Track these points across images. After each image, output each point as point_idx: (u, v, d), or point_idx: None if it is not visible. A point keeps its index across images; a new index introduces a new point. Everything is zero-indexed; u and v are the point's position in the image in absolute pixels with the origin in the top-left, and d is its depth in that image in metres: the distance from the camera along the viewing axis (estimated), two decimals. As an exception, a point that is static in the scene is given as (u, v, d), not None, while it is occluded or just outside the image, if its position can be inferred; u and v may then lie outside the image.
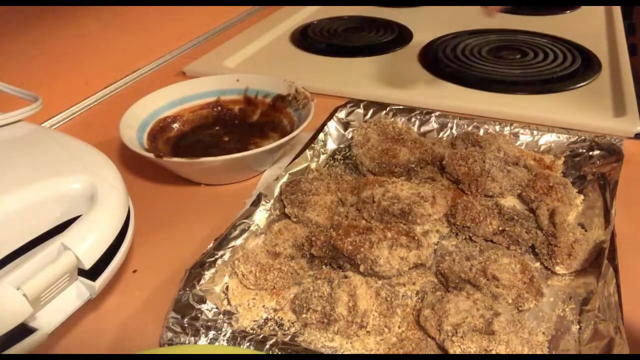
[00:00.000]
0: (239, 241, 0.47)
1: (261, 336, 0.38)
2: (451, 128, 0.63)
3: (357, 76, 0.82)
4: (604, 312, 0.38)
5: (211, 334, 0.38)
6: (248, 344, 0.37)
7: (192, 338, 0.38)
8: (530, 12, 1.06)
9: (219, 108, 0.69)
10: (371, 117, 0.66)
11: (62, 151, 0.47)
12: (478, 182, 0.53)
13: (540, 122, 0.63)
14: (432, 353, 0.39)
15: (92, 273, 0.40)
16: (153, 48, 0.93)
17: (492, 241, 0.48)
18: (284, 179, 0.54)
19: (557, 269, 0.45)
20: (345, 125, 0.65)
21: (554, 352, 0.38)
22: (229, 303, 0.43)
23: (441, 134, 0.64)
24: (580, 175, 0.55)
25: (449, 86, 0.77)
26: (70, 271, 0.38)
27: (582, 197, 0.52)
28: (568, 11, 1.06)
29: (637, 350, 0.37)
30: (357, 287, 0.41)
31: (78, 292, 0.40)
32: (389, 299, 0.41)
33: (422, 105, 0.68)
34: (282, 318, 0.42)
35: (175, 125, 0.66)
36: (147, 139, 0.61)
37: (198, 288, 0.42)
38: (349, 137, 0.64)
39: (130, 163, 0.62)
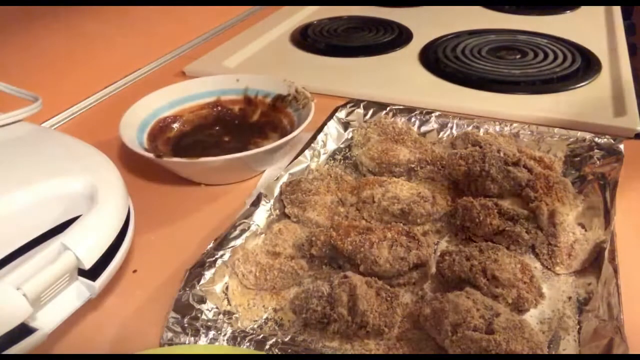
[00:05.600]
0: (239, 241, 0.47)
1: (261, 336, 0.38)
2: (451, 128, 0.63)
3: (357, 76, 0.82)
4: (604, 312, 0.38)
5: (211, 334, 0.38)
6: (248, 344, 0.37)
7: (192, 338, 0.38)
8: (530, 12, 1.06)
9: (219, 108, 0.69)
10: (371, 117, 0.66)
11: (62, 151, 0.47)
12: (478, 182, 0.53)
13: (540, 122, 0.63)
14: (432, 353, 0.39)
15: (92, 273, 0.40)
16: (153, 48, 0.93)
17: (492, 241, 0.48)
18: (284, 179, 0.54)
19: (557, 269, 0.45)
20: (345, 125, 0.65)
21: (554, 352, 0.38)
22: (229, 303, 0.43)
23: (441, 134, 0.64)
24: (580, 175, 0.55)
25: (449, 86, 0.77)
26: (70, 271, 0.38)
27: (582, 197, 0.52)
28: (568, 11, 1.06)
29: (637, 350, 0.37)
30: (357, 287, 0.41)
31: (78, 292, 0.40)
32: (389, 299, 0.41)
33: (422, 105, 0.68)
34: (282, 318, 0.42)
35: (175, 125, 0.66)
36: (147, 139, 0.61)
37: (198, 288, 0.42)
38: (349, 137, 0.64)
39: (130, 163, 0.62)
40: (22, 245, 0.40)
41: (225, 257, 0.45)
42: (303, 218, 0.51)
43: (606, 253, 0.42)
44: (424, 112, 0.65)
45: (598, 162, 0.55)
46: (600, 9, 1.05)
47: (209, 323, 0.39)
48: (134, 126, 0.59)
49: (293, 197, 0.51)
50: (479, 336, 0.37)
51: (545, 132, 0.60)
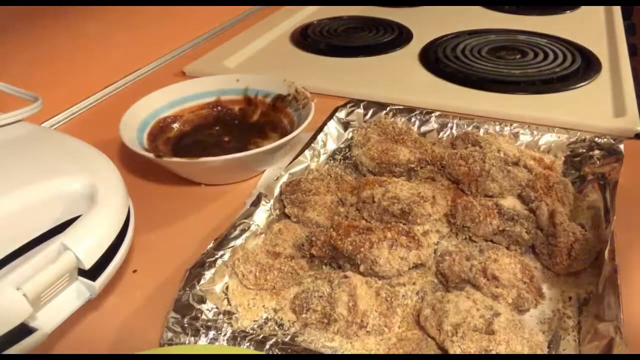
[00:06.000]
0: (239, 241, 0.47)
1: (261, 336, 0.38)
2: (451, 128, 0.63)
3: (357, 76, 0.82)
4: (604, 312, 0.38)
5: (211, 334, 0.38)
6: (248, 344, 0.37)
7: (192, 338, 0.38)
8: (530, 12, 1.06)
9: (219, 108, 0.69)
10: (371, 117, 0.66)
11: (62, 151, 0.47)
12: (478, 182, 0.53)
13: (540, 122, 0.63)
14: (432, 353, 0.39)
15: (92, 273, 0.40)
16: (153, 48, 0.93)
17: (492, 241, 0.48)
18: (284, 179, 0.54)
19: (557, 269, 0.44)
20: (345, 125, 0.65)
21: (554, 352, 0.38)
22: (229, 303, 0.43)
23: (441, 134, 0.64)
24: (580, 175, 0.55)
25: (449, 86, 0.77)
26: (70, 271, 0.38)
27: (582, 197, 0.52)
28: (568, 11, 1.06)
29: (637, 350, 0.37)
30: (357, 287, 0.41)
31: (78, 292, 0.40)
32: (389, 299, 0.41)
33: (422, 105, 0.68)
34: (282, 318, 0.42)
35: (175, 125, 0.66)
36: (147, 139, 0.61)
37: (198, 288, 0.42)
38: (349, 137, 0.64)
39: (130, 163, 0.62)
40: (22, 245, 0.41)
41: (225, 257, 0.45)
42: (303, 218, 0.51)
43: (606, 253, 0.42)
44: (424, 112, 0.65)
45: (598, 162, 0.55)
46: (600, 9, 1.05)
47: (209, 323, 0.39)
48: (134, 126, 0.59)
49: (293, 197, 0.51)
50: (479, 336, 0.37)
51: (545, 132, 0.60)
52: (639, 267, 0.45)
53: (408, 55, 0.89)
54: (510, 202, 0.53)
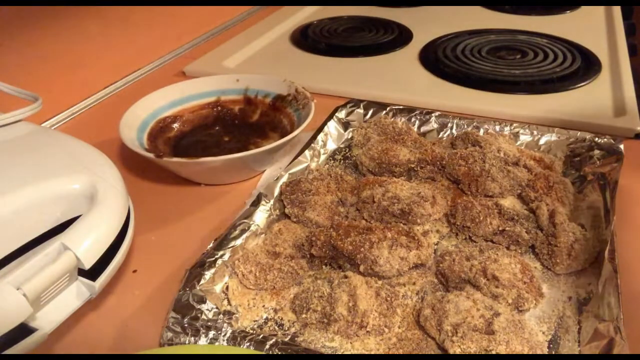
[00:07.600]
0: (239, 241, 0.47)
1: (261, 336, 0.38)
2: (451, 128, 0.63)
3: (357, 76, 0.82)
4: (604, 312, 0.38)
5: (211, 334, 0.38)
6: (248, 344, 0.37)
7: (192, 338, 0.38)
8: (530, 12, 1.06)
9: (219, 108, 0.69)
10: (371, 117, 0.66)
11: (62, 151, 0.47)
12: (478, 182, 0.53)
13: (540, 122, 0.63)
14: (432, 353, 0.39)
15: (92, 273, 0.40)
16: (153, 48, 0.93)
17: (492, 241, 0.48)
18: (284, 179, 0.54)
19: (557, 269, 0.45)
20: (345, 125, 0.65)
21: (554, 352, 0.38)
22: (229, 303, 0.43)
23: (441, 134, 0.64)
24: (580, 175, 0.55)
25: (449, 86, 0.77)
26: (70, 271, 0.38)
27: (582, 197, 0.52)
28: (568, 11, 1.06)
29: (637, 350, 0.37)
30: (357, 287, 0.41)
31: (78, 292, 0.40)
32: (389, 299, 0.41)
33: (422, 105, 0.68)
34: (282, 318, 0.42)
35: (175, 125, 0.66)
36: (147, 139, 0.61)
37: (198, 288, 0.42)
38: (349, 137, 0.64)
39: (130, 163, 0.62)
40: (22, 245, 0.41)
41: (225, 257, 0.45)
42: (303, 218, 0.51)
43: (606, 253, 0.42)
44: (424, 112, 0.65)
45: (598, 162, 0.55)
46: (600, 9, 1.05)
47: (209, 323, 0.39)
48: (134, 126, 0.59)
49: (293, 197, 0.51)
50: (479, 336, 0.37)
51: (545, 132, 0.60)
52: (639, 267, 0.45)
53: (408, 55, 0.89)
54: (510, 202, 0.53)
